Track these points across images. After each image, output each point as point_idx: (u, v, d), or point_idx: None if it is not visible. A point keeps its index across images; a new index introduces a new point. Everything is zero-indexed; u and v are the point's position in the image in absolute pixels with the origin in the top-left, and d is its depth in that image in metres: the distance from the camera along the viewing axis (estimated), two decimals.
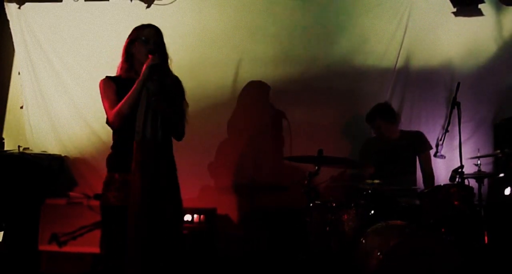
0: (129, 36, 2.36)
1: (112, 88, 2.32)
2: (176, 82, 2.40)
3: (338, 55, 3.85)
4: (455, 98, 3.24)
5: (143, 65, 2.25)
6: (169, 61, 2.39)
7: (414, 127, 3.71)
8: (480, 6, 3.73)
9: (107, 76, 2.39)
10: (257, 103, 3.84)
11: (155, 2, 3.87)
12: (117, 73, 2.39)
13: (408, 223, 2.76)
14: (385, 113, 3.49)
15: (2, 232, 3.65)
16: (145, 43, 2.30)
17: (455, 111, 3.21)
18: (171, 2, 3.82)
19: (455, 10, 3.76)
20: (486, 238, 2.89)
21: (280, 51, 3.86)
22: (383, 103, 3.60)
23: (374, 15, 3.84)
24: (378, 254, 2.49)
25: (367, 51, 3.83)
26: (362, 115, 3.80)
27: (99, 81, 2.36)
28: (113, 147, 2.36)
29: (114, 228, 2.24)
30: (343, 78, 3.84)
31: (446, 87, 3.77)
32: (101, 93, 2.34)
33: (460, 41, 3.80)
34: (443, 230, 2.80)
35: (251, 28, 3.87)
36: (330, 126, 3.81)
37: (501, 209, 3.31)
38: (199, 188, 3.78)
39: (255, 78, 3.83)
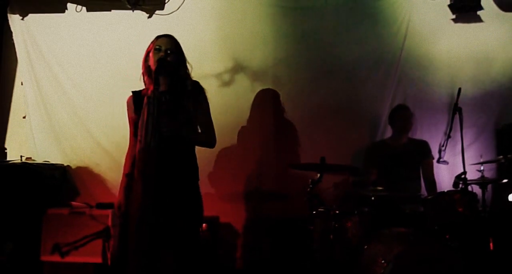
0: (147, 49, 2.40)
1: (131, 112, 2.41)
2: (193, 89, 2.40)
3: (338, 62, 3.85)
4: (456, 104, 3.26)
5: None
6: (189, 67, 2.41)
7: (416, 133, 3.72)
8: (479, 12, 3.75)
9: (132, 93, 2.44)
10: (259, 112, 3.83)
11: (156, 12, 3.90)
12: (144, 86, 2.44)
13: (412, 230, 2.75)
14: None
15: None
16: (158, 52, 2.33)
17: (457, 117, 3.22)
18: (172, 12, 3.85)
19: (454, 16, 3.78)
20: (491, 244, 2.87)
21: (279, 60, 3.87)
22: None
23: (374, 22, 3.86)
24: (382, 261, 2.47)
25: (367, 58, 3.84)
26: (363, 122, 3.82)
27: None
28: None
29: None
30: (344, 86, 3.84)
31: (447, 93, 3.77)
32: None
33: (460, 47, 3.81)
34: (447, 236, 2.79)
35: (250, 37, 3.88)
36: (331, 133, 3.80)
37: (505, 215, 3.29)
38: (202, 196, 3.76)
39: (254, 87, 3.84)
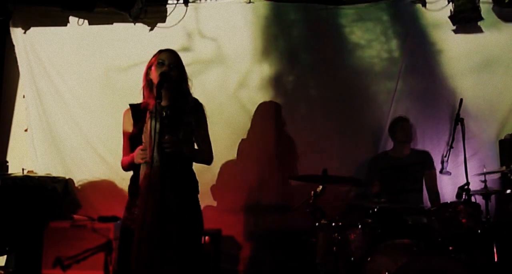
0: (148, 63, 2.40)
1: (130, 125, 2.39)
2: (194, 105, 2.40)
3: (340, 74, 3.87)
4: (458, 114, 3.26)
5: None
6: (190, 84, 2.41)
7: (418, 144, 3.70)
8: (479, 23, 3.76)
9: (129, 106, 2.43)
10: (260, 124, 3.83)
11: (157, 25, 3.93)
12: (143, 99, 2.42)
13: (416, 242, 2.73)
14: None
15: (6, 256, 3.63)
16: (161, 66, 2.33)
17: (459, 127, 3.21)
18: (174, 25, 3.88)
19: (454, 27, 3.79)
20: (495, 255, 2.85)
21: (281, 72, 3.88)
22: None
23: (375, 34, 3.88)
24: None
25: (368, 70, 3.85)
26: (365, 133, 3.82)
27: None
28: (133, 171, 2.38)
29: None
30: (346, 98, 3.85)
31: (448, 104, 3.76)
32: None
33: (461, 58, 3.82)
34: (451, 248, 2.76)
35: (250, 50, 3.90)
36: (333, 145, 3.79)
37: (509, 226, 3.26)
38: (204, 209, 3.73)
39: (255, 100, 3.84)
